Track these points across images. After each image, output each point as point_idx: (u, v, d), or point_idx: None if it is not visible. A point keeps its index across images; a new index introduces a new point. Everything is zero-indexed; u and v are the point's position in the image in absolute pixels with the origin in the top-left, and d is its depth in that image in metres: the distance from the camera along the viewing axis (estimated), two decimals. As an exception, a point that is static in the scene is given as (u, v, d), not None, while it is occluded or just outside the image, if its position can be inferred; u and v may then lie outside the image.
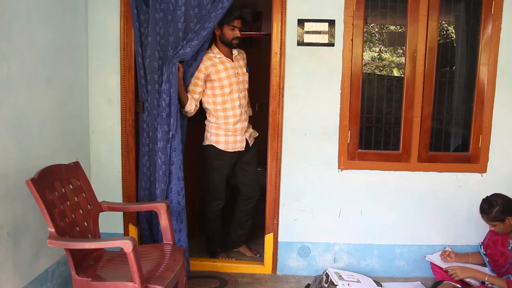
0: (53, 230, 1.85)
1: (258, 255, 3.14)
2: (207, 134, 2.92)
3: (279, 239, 2.88)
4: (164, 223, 2.25)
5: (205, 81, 2.81)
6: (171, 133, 2.65)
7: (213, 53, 2.84)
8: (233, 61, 2.88)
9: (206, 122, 2.94)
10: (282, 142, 2.80)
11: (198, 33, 2.61)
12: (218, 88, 2.81)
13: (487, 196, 2.42)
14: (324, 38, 2.72)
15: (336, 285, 2.50)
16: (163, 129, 2.64)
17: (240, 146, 2.92)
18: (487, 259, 2.51)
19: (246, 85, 2.96)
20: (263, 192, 2.94)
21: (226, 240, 3.20)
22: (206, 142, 2.92)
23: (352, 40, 2.72)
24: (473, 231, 2.78)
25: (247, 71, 2.98)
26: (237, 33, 2.82)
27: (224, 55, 2.86)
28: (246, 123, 2.93)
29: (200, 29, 2.62)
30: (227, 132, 2.86)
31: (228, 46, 2.87)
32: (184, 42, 2.64)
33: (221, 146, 2.86)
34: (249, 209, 3.10)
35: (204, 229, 3.15)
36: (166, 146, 2.66)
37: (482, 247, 2.57)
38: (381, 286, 2.65)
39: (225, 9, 2.61)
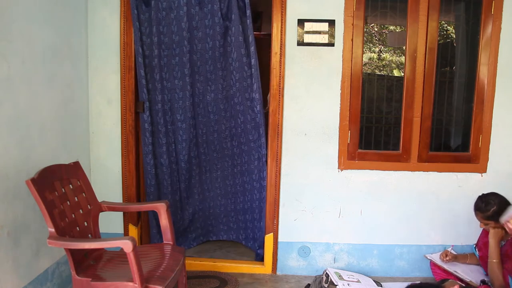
0: (53, 230, 1.85)
1: None
2: None
3: (279, 239, 2.88)
4: (164, 223, 2.25)
5: None
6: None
7: None
8: None
9: None
10: (282, 142, 2.80)
11: None
12: None
13: (484, 194, 2.42)
14: (324, 38, 2.72)
15: (336, 285, 2.50)
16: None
17: None
18: (481, 261, 2.50)
19: None
20: (263, 192, 2.94)
21: None
22: None
23: (352, 40, 2.72)
24: (473, 231, 2.78)
25: None
26: None
27: None
28: None
29: None
30: None
31: None
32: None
33: None
34: None
35: None
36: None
37: (476, 249, 2.56)
38: (381, 286, 2.65)
39: None
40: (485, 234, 2.48)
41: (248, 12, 2.75)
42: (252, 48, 2.78)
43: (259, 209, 3.05)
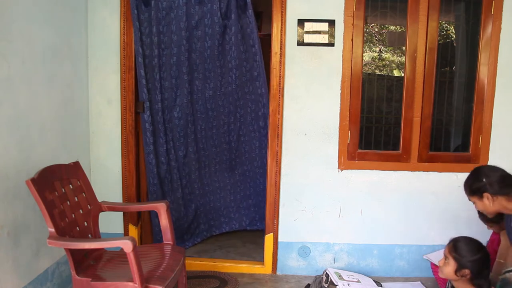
0: (53, 230, 1.85)
1: None
2: None
3: (279, 239, 2.88)
4: (164, 223, 2.24)
5: None
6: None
7: None
8: None
9: None
10: (282, 142, 2.80)
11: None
12: None
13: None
14: (324, 38, 2.72)
15: (336, 285, 2.50)
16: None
17: None
18: None
19: None
20: (263, 192, 2.95)
21: None
22: None
23: (352, 40, 2.72)
24: (473, 231, 2.76)
25: None
26: None
27: None
28: None
29: None
30: None
31: None
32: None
33: None
34: None
35: None
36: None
37: None
38: (381, 286, 2.65)
39: None
40: (493, 231, 2.47)
41: (250, 11, 2.78)
42: (256, 46, 2.88)
43: (264, 192, 3.08)
